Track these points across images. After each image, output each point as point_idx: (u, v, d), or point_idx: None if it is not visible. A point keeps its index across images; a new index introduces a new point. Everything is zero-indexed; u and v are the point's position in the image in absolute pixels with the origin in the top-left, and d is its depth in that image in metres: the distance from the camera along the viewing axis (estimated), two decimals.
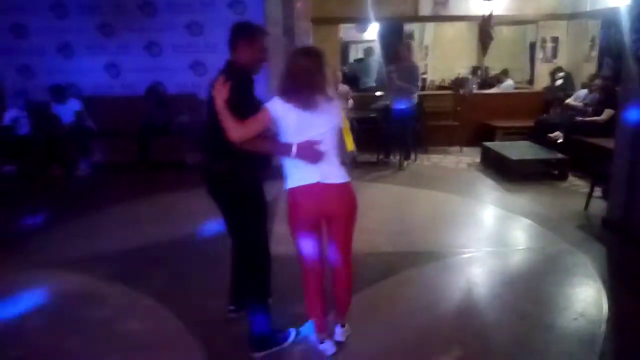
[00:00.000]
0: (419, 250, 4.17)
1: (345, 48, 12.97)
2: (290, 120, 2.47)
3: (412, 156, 7.24)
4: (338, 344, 2.80)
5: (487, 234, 4.70)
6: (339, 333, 2.85)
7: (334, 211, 2.60)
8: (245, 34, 2.68)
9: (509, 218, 4.99)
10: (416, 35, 11.89)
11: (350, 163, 6.47)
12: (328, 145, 2.54)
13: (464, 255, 4.08)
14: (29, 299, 3.47)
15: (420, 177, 6.50)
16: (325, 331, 2.78)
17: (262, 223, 2.81)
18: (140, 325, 3.16)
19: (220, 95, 2.45)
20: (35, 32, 7.38)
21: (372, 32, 10.78)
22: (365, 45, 10.87)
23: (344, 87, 7.39)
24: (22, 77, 7.49)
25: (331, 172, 2.55)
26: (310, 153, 2.48)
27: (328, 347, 2.76)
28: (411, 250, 4.19)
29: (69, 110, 6.94)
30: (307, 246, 2.63)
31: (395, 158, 7.15)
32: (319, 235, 2.67)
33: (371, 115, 7.52)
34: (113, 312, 3.30)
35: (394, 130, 6.94)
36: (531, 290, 3.52)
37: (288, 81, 2.48)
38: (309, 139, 2.48)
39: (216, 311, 3.16)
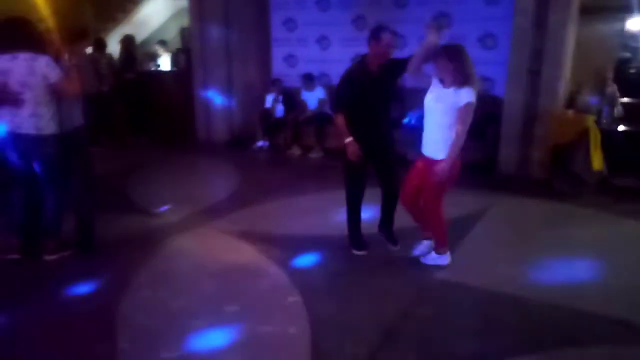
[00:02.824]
0: None
1: None
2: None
3: None
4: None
5: None
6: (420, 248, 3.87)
7: (427, 173, 3.51)
8: (371, 36, 3.66)
9: None
10: None
11: (594, 184, 5.17)
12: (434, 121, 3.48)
13: None
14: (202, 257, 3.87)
15: None
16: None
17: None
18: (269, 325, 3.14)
19: None
20: (301, 25, 8.17)
21: None
22: None
23: (612, 89, 5.91)
24: (287, 65, 8.43)
25: (429, 147, 3.54)
26: None
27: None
28: None
29: (315, 97, 7.51)
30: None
31: None
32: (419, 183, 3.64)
33: None
34: (267, 287, 3.39)
35: None
36: None
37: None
38: None
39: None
